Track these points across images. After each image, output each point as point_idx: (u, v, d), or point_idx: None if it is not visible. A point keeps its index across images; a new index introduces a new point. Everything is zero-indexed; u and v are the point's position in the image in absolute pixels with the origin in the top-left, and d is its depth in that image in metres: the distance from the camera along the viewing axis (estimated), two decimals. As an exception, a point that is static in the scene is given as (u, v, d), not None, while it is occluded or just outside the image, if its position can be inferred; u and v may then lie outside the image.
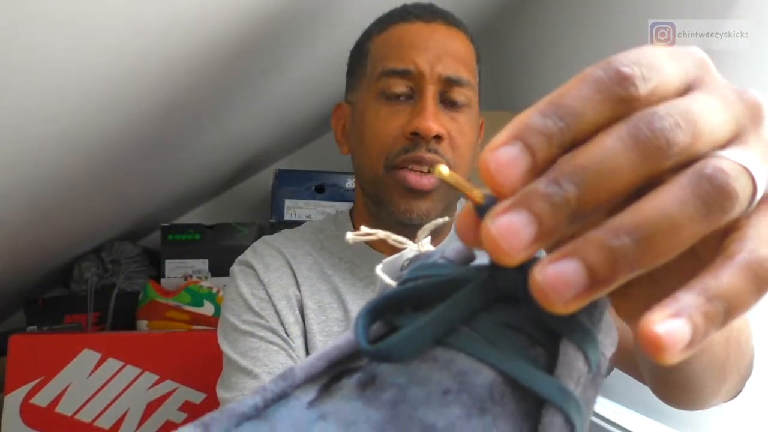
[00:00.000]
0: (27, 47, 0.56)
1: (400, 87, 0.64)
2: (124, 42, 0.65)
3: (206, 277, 1.31)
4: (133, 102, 0.79)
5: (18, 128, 0.68)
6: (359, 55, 0.71)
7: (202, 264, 1.33)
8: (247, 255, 0.73)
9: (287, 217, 1.37)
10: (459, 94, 0.65)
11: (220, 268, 1.31)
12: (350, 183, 1.38)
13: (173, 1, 0.63)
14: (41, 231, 1.04)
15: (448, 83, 0.65)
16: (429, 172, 0.64)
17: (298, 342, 0.67)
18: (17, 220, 0.91)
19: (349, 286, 0.71)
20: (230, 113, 1.08)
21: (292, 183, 1.39)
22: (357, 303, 0.70)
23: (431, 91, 0.64)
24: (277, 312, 0.68)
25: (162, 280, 1.31)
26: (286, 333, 0.67)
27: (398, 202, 0.66)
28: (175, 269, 1.32)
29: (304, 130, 1.52)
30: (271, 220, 1.37)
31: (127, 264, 1.32)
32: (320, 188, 1.39)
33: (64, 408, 1.01)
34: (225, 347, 0.69)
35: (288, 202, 1.38)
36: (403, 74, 0.64)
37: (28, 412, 1.00)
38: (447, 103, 0.65)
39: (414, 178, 0.64)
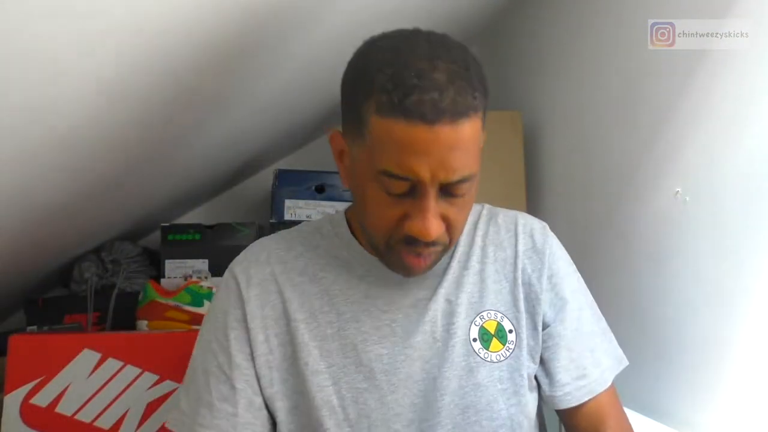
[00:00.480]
0: (27, 47, 0.56)
1: (400, 188, 0.62)
2: (125, 42, 0.65)
3: (206, 277, 1.31)
4: (133, 102, 0.79)
5: (18, 128, 0.68)
6: (355, 107, 0.64)
7: (202, 264, 1.33)
8: (236, 263, 0.75)
9: (287, 217, 1.37)
10: (460, 189, 0.63)
11: (220, 268, 1.29)
12: (350, 183, 1.38)
13: (174, 1, 0.63)
14: (41, 231, 1.04)
15: (450, 183, 0.62)
16: (427, 245, 0.64)
17: (261, 361, 0.69)
18: (18, 220, 0.91)
19: (343, 283, 0.71)
20: (230, 113, 1.08)
21: (292, 183, 1.39)
22: (351, 302, 0.70)
23: (432, 194, 0.62)
24: (248, 330, 0.70)
25: (162, 280, 1.31)
26: (252, 354, 0.69)
27: (397, 268, 0.69)
28: (175, 269, 1.32)
29: (304, 130, 1.52)
30: (271, 220, 1.37)
31: (127, 264, 1.32)
32: (320, 188, 1.39)
33: (64, 408, 1.01)
34: (193, 353, 0.73)
35: (288, 202, 1.38)
36: (403, 179, 0.61)
37: (28, 412, 1.00)
38: (448, 193, 0.63)
39: (413, 261, 0.66)
